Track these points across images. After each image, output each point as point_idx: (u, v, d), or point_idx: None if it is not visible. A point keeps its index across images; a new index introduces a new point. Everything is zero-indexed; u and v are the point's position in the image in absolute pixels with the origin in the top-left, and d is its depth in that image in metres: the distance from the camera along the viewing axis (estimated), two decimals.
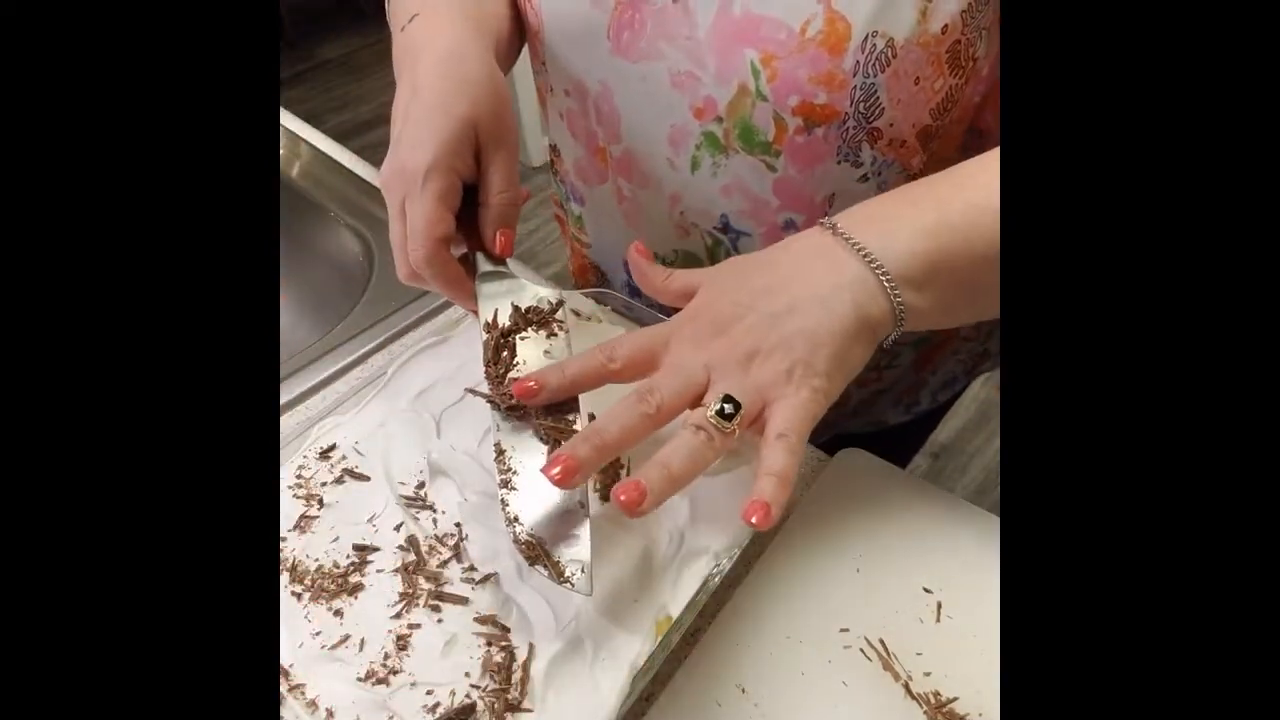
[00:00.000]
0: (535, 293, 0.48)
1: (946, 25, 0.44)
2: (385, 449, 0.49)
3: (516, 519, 0.39)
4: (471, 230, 0.47)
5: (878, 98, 0.46)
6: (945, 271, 0.41)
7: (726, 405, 0.39)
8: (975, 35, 0.45)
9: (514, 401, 0.42)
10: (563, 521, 0.40)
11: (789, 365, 0.39)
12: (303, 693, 0.39)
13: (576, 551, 0.39)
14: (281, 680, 0.39)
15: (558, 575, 0.38)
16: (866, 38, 0.44)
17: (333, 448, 0.50)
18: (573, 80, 0.56)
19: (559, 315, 0.47)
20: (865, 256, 0.40)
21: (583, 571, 0.38)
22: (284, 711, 0.38)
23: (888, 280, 0.40)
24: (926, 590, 0.45)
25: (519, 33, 0.58)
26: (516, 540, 0.39)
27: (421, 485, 0.47)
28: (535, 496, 0.40)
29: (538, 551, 0.38)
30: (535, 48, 0.58)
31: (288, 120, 0.92)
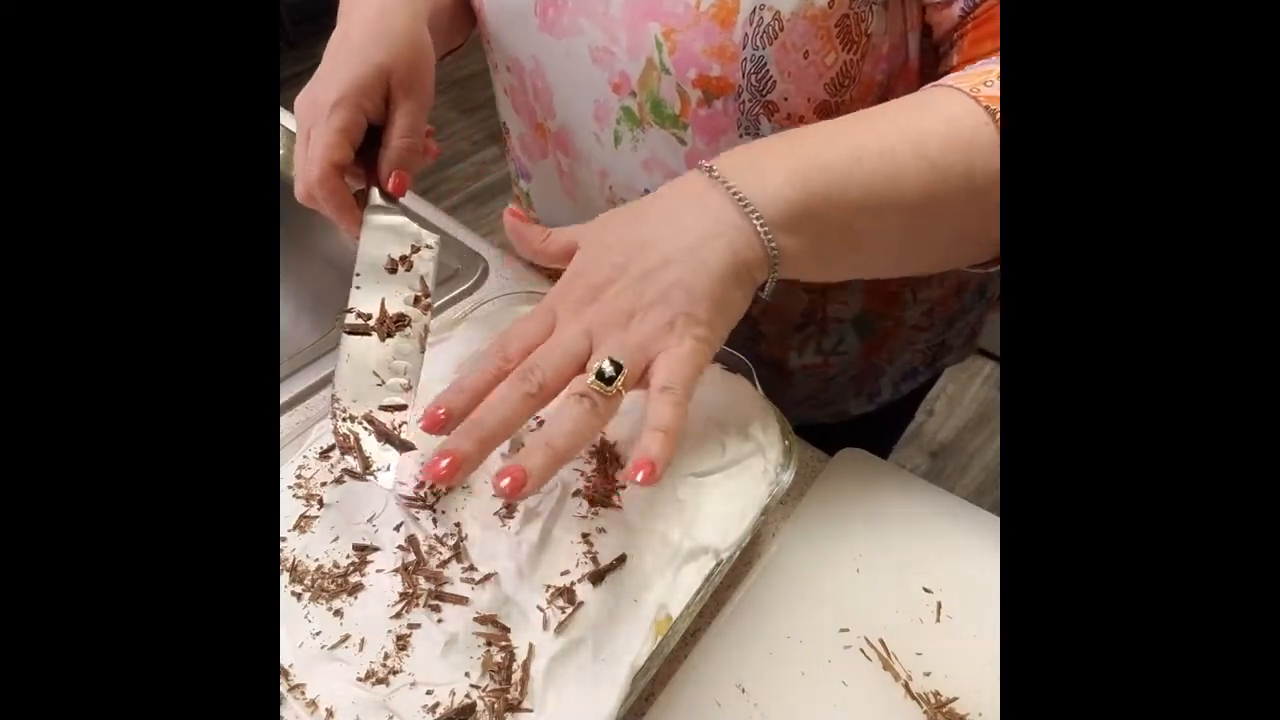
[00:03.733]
0: (416, 233, 0.50)
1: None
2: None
3: (336, 399, 0.44)
4: (373, 170, 0.50)
5: (768, 70, 0.47)
6: (818, 216, 0.40)
7: (606, 367, 0.38)
8: (865, 10, 0.45)
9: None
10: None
11: (669, 319, 0.39)
12: (302, 692, 0.39)
13: (388, 454, 0.43)
14: (281, 680, 0.39)
15: (364, 466, 0.42)
16: (754, 10, 0.46)
17: (333, 447, 0.50)
18: (510, 57, 0.59)
19: (425, 256, 0.50)
20: (739, 199, 0.40)
21: (389, 469, 0.42)
22: (284, 711, 0.38)
23: (760, 224, 0.39)
24: (926, 590, 0.45)
25: (468, 8, 0.61)
26: (335, 432, 0.43)
27: (421, 485, 0.47)
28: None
29: (352, 443, 0.42)
30: (480, 25, 0.61)
31: (288, 120, 0.92)
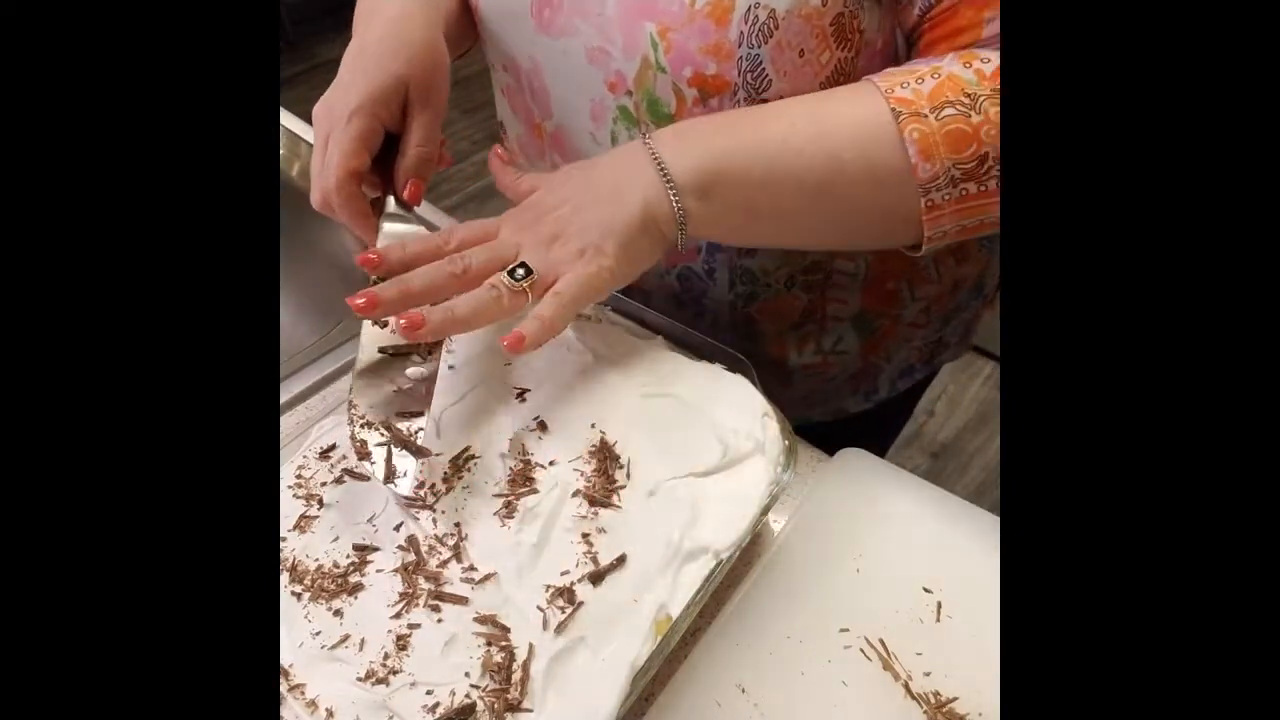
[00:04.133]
0: (433, 238, 0.50)
1: None
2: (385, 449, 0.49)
3: (353, 405, 0.45)
4: (389, 178, 0.52)
5: (764, 69, 0.48)
6: (723, 188, 0.47)
7: (519, 270, 0.45)
8: (858, 7, 0.47)
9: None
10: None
11: (582, 246, 0.46)
12: (302, 692, 0.39)
13: (406, 460, 0.45)
14: (281, 680, 0.39)
15: (387, 474, 0.44)
16: (749, 9, 0.46)
17: (333, 447, 0.50)
18: (507, 57, 0.59)
19: None
20: (658, 164, 0.46)
21: (406, 475, 0.44)
22: (284, 711, 0.38)
23: (670, 187, 0.46)
24: (926, 590, 0.45)
25: (469, 12, 0.62)
26: (352, 437, 0.45)
27: (421, 485, 0.47)
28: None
29: (368, 450, 0.44)
30: (478, 26, 0.61)
31: (288, 120, 0.92)
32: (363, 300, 0.43)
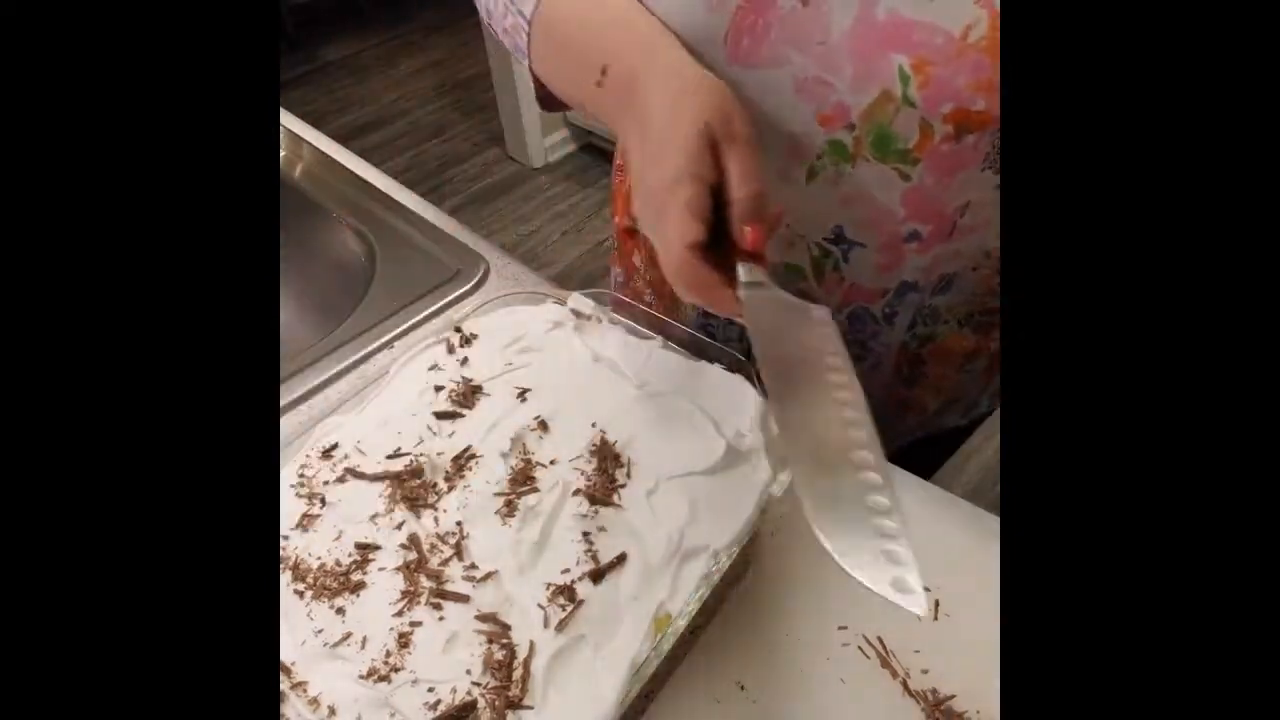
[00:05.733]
0: (802, 305, 0.43)
1: None
2: (388, 448, 0.49)
3: None
4: (726, 236, 0.44)
5: None
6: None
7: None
8: None
9: None
10: None
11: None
12: (305, 690, 0.39)
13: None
14: (283, 678, 0.39)
15: None
16: None
17: (335, 447, 0.50)
18: None
19: (825, 329, 0.43)
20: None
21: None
22: (286, 709, 0.39)
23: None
24: (924, 589, 0.46)
25: None
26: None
27: (422, 484, 0.47)
28: None
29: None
30: None
31: (290, 121, 0.92)
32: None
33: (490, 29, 0.55)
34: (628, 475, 0.47)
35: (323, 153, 0.88)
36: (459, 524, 0.45)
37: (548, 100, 0.54)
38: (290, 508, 0.47)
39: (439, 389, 0.52)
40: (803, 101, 0.48)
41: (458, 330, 0.56)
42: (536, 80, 0.53)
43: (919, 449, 0.70)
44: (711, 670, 0.43)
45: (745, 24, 0.47)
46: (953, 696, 0.41)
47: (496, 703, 0.38)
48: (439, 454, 0.49)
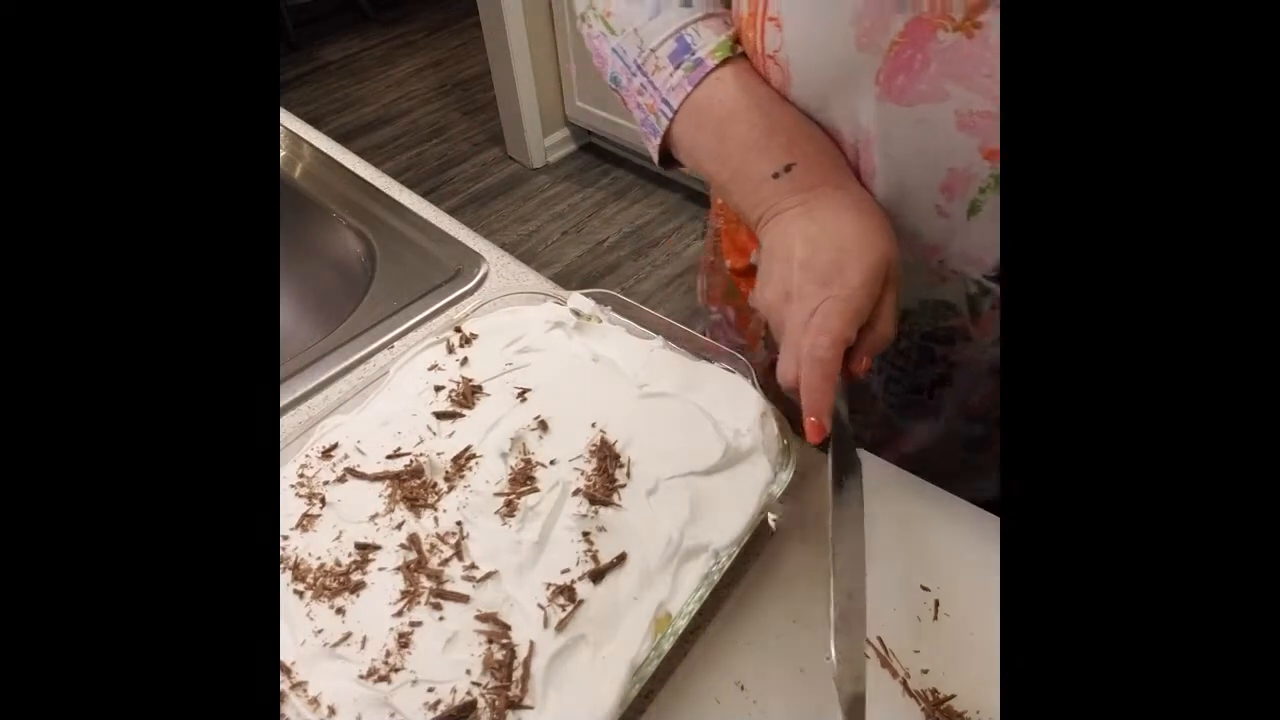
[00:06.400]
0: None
1: None
2: (388, 448, 0.49)
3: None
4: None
5: None
6: None
7: None
8: None
9: None
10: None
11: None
12: (305, 690, 0.39)
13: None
14: (283, 678, 0.39)
15: None
16: None
17: (335, 446, 0.50)
18: (828, 131, 0.52)
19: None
20: None
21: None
22: (286, 709, 0.39)
23: None
24: (924, 588, 0.46)
25: None
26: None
27: (422, 484, 0.47)
28: None
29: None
30: (776, 98, 0.53)
31: (290, 121, 0.92)
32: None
33: (616, 93, 0.56)
34: (628, 475, 0.47)
35: (322, 153, 0.88)
36: (459, 524, 0.45)
37: (668, 160, 0.56)
38: (290, 508, 0.47)
39: (439, 389, 0.53)
40: (964, 134, 0.47)
41: (458, 330, 0.56)
42: (662, 146, 0.54)
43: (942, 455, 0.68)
44: (711, 669, 0.43)
45: (902, 60, 0.46)
46: (953, 696, 0.41)
47: (496, 703, 0.38)
48: (439, 454, 0.49)
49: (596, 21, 0.56)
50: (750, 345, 0.69)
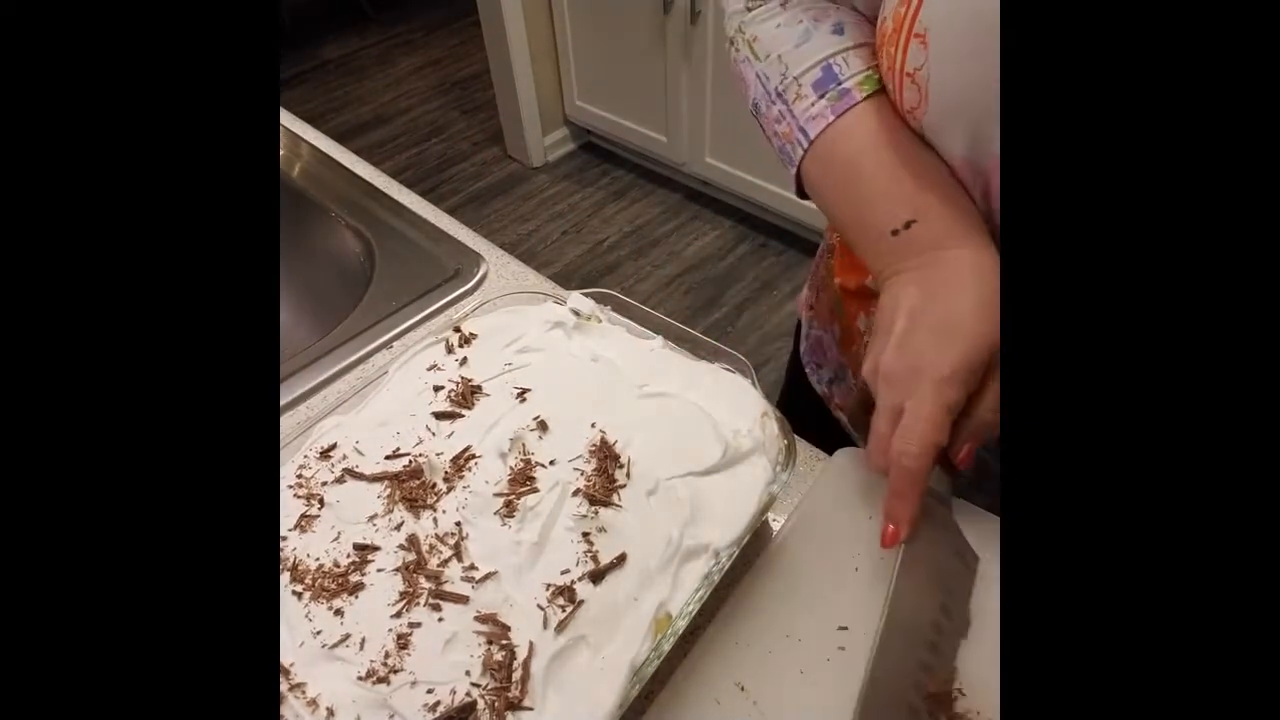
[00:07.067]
0: (963, 544, 0.47)
1: None
2: (387, 448, 0.49)
3: None
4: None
5: None
6: None
7: None
8: None
9: None
10: None
11: None
12: (303, 691, 0.39)
13: None
14: (282, 679, 0.39)
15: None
16: None
17: (333, 447, 0.50)
18: (955, 158, 0.48)
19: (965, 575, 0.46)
20: None
21: None
22: (284, 710, 0.39)
23: None
24: None
25: None
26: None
27: (421, 485, 0.47)
28: None
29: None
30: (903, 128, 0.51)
31: (289, 120, 0.92)
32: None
33: (757, 120, 0.55)
34: (627, 475, 0.47)
35: (321, 152, 0.88)
36: (458, 524, 0.45)
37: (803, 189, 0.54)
38: (288, 508, 0.47)
39: (438, 389, 0.52)
40: None
41: (457, 330, 0.56)
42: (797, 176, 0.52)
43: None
44: (711, 671, 0.43)
45: None
46: (954, 698, 0.41)
47: (496, 704, 0.38)
48: (438, 454, 0.48)
49: (744, 46, 0.54)
50: (852, 369, 0.65)
